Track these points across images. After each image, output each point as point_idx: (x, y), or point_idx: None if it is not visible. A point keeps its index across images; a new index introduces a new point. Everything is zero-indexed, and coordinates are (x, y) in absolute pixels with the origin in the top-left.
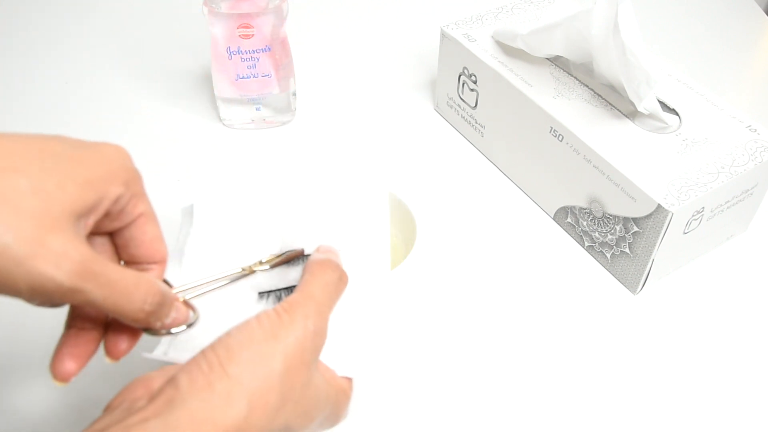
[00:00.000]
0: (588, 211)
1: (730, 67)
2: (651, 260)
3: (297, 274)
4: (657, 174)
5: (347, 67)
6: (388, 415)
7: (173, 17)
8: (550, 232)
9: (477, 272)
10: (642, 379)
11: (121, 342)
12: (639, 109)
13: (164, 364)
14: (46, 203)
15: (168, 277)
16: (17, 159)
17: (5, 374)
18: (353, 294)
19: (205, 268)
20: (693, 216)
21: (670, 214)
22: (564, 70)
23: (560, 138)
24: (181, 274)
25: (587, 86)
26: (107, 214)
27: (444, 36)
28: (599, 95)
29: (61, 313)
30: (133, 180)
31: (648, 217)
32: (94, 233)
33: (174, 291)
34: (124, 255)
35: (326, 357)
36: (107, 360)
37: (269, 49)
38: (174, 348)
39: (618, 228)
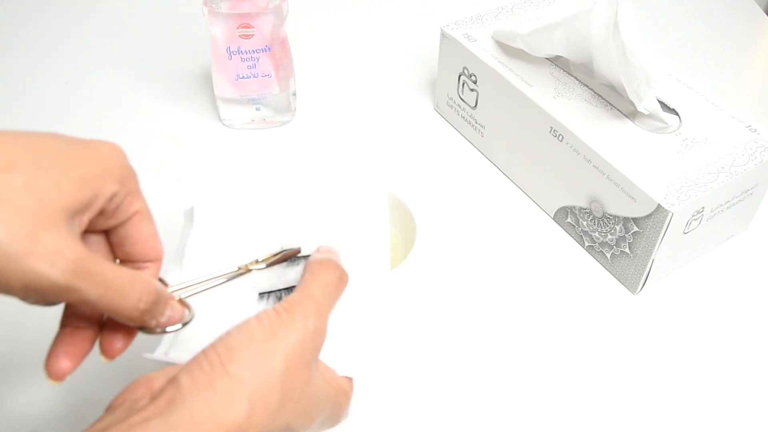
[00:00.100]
0: (588, 211)
1: (730, 67)
2: (651, 260)
3: (297, 274)
4: (657, 174)
5: (347, 67)
6: (388, 415)
7: (173, 17)
8: (550, 232)
9: (477, 272)
10: (642, 378)
11: (117, 341)
12: (639, 109)
13: (165, 365)
14: (40, 201)
15: (168, 279)
16: (11, 156)
17: (5, 374)
18: (353, 294)
19: (205, 269)
20: (693, 216)
21: (670, 214)
22: (564, 70)
23: (560, 138)
24: (182, 277)
25: (587, 86)
26: (102, 212)
27: (444, 36)
28: (599, 95)
29: (61, 313)
30: (128, 177)
31: (648, 217)
32: (89, 231)
33: (169, 289)
34: (119, 253)
35: (326, 356)
36: (102, 359)
37: (269, 49)
38: (175, 348)
39: (618, 228)
